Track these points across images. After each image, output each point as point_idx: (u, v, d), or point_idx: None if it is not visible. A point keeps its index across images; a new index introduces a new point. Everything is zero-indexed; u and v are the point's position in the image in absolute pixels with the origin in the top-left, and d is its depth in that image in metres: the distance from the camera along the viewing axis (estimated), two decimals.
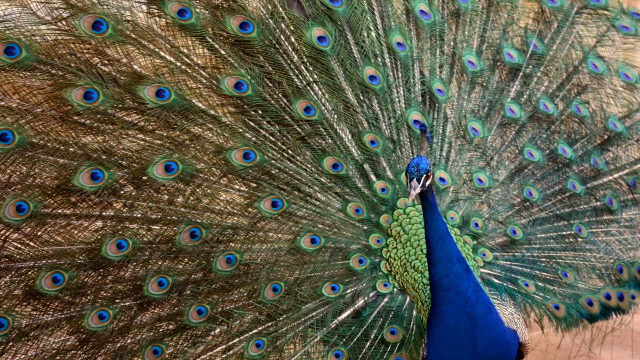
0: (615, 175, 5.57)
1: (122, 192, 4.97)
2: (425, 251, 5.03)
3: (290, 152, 5.16)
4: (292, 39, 5.17)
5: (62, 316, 4.97)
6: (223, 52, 5.09)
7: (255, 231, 5.10)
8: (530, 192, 5.41)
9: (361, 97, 5.25)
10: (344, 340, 5.11)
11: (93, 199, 4.94)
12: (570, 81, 5.59)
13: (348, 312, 5.15)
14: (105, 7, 4.91)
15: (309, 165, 5.18)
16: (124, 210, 4.99)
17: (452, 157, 5.37)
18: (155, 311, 5.05)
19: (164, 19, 5.02)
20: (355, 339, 5.12)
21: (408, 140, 5.30)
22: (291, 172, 5.15)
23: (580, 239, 5.43)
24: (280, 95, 5.15)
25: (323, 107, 5.19)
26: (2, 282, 4.91)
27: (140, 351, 5.03)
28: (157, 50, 5.01)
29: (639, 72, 5.73)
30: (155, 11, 5.02)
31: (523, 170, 5.43)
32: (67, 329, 4.98)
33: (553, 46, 5.60)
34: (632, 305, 5.44)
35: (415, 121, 5.31)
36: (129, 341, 5.03)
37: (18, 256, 4.91)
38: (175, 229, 5.01)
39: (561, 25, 5.61)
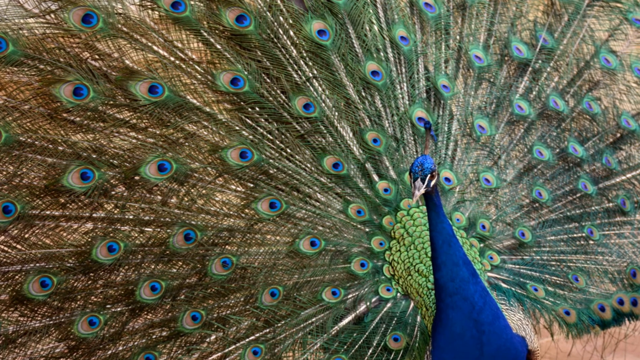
0: (629, 175, 5.52)
1: (113, 192, 4.96)
2: (429, 254, 4.96)
3: (289, 150, 5.12)
4: (291, 33, 5.13)
5: (51, 322, 4.96)
6: (219, 47, 5.06)
7: (253, 233, 5.08)
8: (539, 192, 5.37)
9: (363, 94, 5.21)
10: (345, 347, 5.08)
11: (83, 199, 4.93)
12: (582, 77, 5.55)
13: (349, 318, 5.13)
14: None
15: (309, 165, 5.14)
16: (116, 211, 4.97)
17: (458, 156, 5.33)
18: (148, 317, 5.03)
19: (157, 12, 5.00)
20: (356, 346, 5.09)
21: (412, 138, 5.26)
22: (290, 172, 5.12)
23: (591, 242, 5.40)
24: (278, 91, 5.12)
25: (323, 104, 5.15)
26: None
27: (132, 359, 5.01)
28: (149, 44, 4.99)
29: None
30: (148, 4, 4.99)
31: (532, 170, 5.39)
32: (56, 335, 4.97)
33: (563, 40, 5.55)
34: None
35: (420, 118, 5.27)
36: (120, 348, 5.02)
37: (5, 259, 4.89)
38: (168, 231, 5.00)
39: (572, 19, 5.57)
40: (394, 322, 5.09)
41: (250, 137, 5.07)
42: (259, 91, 5.07)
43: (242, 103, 5.07)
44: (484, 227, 5.26)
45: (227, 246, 5.03)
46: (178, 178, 4.98)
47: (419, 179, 4.60)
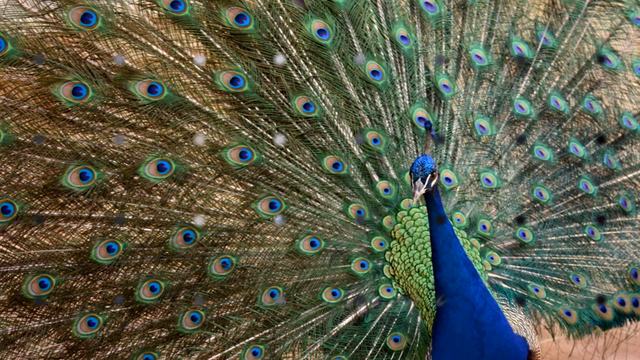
0: (630, 175, 5.50)
1: (112, 192, 4.96)
2: (430, 255, 4.95)
3: (288, 150, 5.11)
4: (291, 32, 5.11)
5: (50, 323, 4.96)
6: (218, 46, 5.05)
7: (252, 234, 5.06)
8: (540, 192, 5.35)
9: (363, 93, 5.19)
10: (345, 348, 5.07)
11: (82, 199, 4.92)
12: (583, 76, 5.52)
13: (349, 318, 5.11)
14: None
15: (309, 165, 5.13)
16: (115, 211, 4.96)
17: (458, 156, 5.31)
18: (147, 317, 5.02)
19: (156, 11, 5.00)
20: (356, 347, 5.07)
21: (412, 138, 5.24)
22: (290, 172, 5.10)
23: (592, 242, 5.38)
24: (278, 91, 5.11)
25: (323, 104, 5.14)
26: None
27: (131, 359, 5.00)
28: (149, 44, 4.99)
29: None
30: (147, 3, 4.99)
31: (533, 170, 5.37)
32: (55, 336, 4.97)
33: (564, 40, 5.52)
34: None
35: (420, 118, 5.25)
36: (119, 349, 5.01)
37: (3, 260, 4.89)
38: (168, 231, 4.99)
39: (573, 18, 5.55)
40: (394, 322, 5.08)
41: (250, 137, 5.05)
42: (259, 91, 5.06)
43: (241, 103, 5.06)
44: (484, 227, 5.25)
45: (226, 246, 5.02)
46: (177, 178, 4.97)
47: (419, 179, 4.59)
